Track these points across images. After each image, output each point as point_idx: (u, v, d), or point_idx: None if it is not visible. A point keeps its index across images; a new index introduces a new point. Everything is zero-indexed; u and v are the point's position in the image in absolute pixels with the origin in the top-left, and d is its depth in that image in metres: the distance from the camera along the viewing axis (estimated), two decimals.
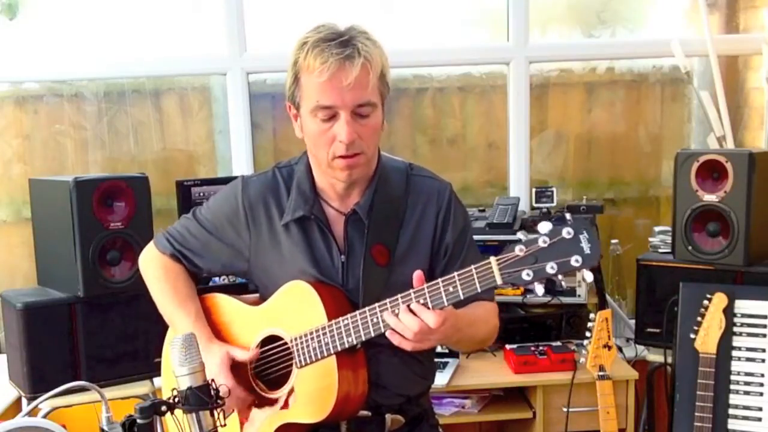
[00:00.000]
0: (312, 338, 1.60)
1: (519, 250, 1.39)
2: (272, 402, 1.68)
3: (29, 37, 3.07)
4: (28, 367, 2.37)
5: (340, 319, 1.57)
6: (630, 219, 3.37)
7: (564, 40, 3.31)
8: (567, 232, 1.36)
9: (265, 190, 1.75)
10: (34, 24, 3.08)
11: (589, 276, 1.39)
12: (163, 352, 1.88)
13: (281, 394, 1.67)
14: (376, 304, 1.52)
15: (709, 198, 2.44)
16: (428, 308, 1.45)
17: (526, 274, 1.38)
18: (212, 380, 1.41)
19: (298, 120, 1.67)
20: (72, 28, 3.08)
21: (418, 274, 1.49)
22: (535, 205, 2.90)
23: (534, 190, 2.93)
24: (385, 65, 1.61)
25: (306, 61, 1.56)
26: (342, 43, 1.54)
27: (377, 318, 1.52)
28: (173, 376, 1.40)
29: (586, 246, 1.36)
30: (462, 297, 1.44)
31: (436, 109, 3.30)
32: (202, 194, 2.62)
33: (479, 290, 1.43)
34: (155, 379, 2.51)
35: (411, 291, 1.47)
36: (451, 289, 1.44)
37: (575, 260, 1.36)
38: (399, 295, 1.49)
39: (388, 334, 1.50)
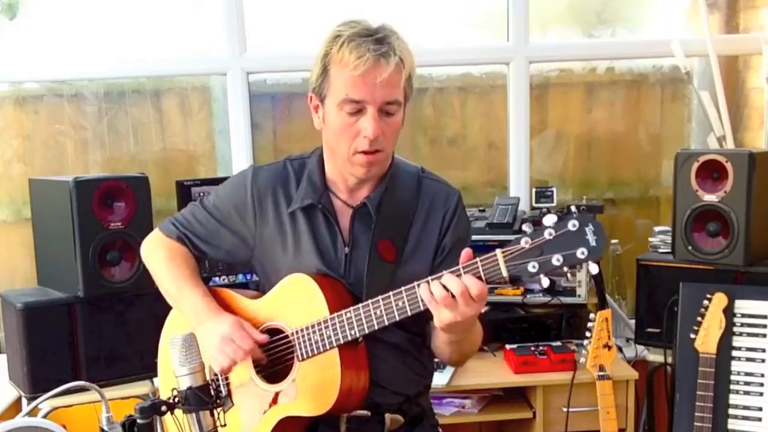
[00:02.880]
0: (314, 331, 1.60)
1: (525, 243, 1.39)
2: (272, 395, 1.68)
3: (29, 37, 3.07)
4: (28, 367, 2.37)
5: (343, 311, 1.58)
6: (630, 219, 3.37)
7: (564, 40, 3.31)
8: (572, 225, 1.38)
9: (274, 180, 1.76)
10: (34, 24, 3.08)
11: (594, 268, 1.40)
12: (159, 351, 1.88)
13: (282, 387, 1.67)
14: (380, 297, 1.53)
15: (709, 198, 2.44)
16: (436, 302, 1.46)
17: (532, 266, 1.39)
18: (212, 380, 1.41)
19: (318, 111, 1.68)
20: (72, 28, 3.08)
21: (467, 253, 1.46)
22: (535, 205, 2.90)
23: (534, 190, 2.93)
24: (413, 66, 1.63)
25: (340, 54, 1.57)
26: (378, 40, 1.56)
27: (381, 311, 1.53)
28: (172, 375, 1.40)
29: (591, 238, 1.37)
30: None
31: (436, 109, 3.30)
32: (202, 194, 2.62)
33: (485, 282, 1.43)
34: (155, 379, 2.51)
35: (414, 283, 1.49)
36: None
37: (581, 252, 1.37)
38: (403, 288, 1.50)
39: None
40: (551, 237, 1.38)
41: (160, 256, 1.83)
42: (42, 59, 3.07)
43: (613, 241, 3.12)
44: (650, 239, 2.79)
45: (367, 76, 1.54)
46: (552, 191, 2.88)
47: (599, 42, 3.29)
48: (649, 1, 3.35)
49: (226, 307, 1.79)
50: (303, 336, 1.62)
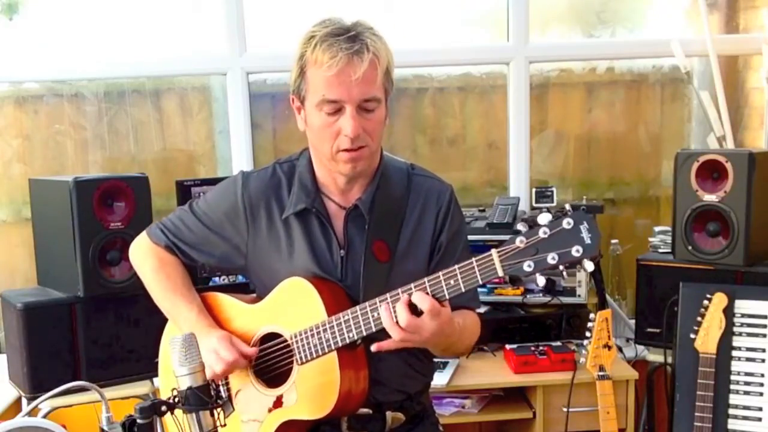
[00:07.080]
0: (312, 335, 1.60)
1: (520, 242, 1.40)
2: (272, 400, 1.68)
3: (29, 37, 3.07)
4: (28, 367, 2.37)
5: (341, 314, 1.57)
6: (630, 219, 3.37)
7: (564, 40, 3.31)
8: (567, 223, 1.38)
9: (265, 187, 1.75)
10: (34, 24, 3.08)
11: (589, 265, 1.40)
12: (161, 350, 1.88)
13: (282, 391, 1.67)
14: (377, 299, 1.52)
15: (709, 198, 2.44)
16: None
17: (528, 265, 1.39)
18: (212, 380, 1.41)
19: (301, 113, 1.68)
20: (72, 28, 3.08)
21: None
22: (535, 205, 2.90)
23: (534, 190, 2.93)
24: (390, 61, 1.62)
25: (314, 55, 1.57)
26: (351, 38, 1.55)
27: (378, 313, 1.52)
28: (172, 375, 1.40)
29: (586, 236, 1.38)
30: (463, 289, 1.45)
31: (436, 109, 3.30)
32: (201, 194, 2.61)
33: (480, 282, 1.44)
34: (155, 379, 2.51)
35: (411, 284, 1.48)
36: (452, 282, 1.45)
37: (576, 250, 1.37)
38: (399, 289, 1.49)
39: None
40: (546, 235, 1.38)
41: (149, 266, 1.83)
42: (42, 59, 3.07)
43: (613, 241, 3.12)
44: (650, 239, 2.79)
45: (342, 75, 1.54)
46: (552, 191, 2.88)
47: (599, 42, 3.29)
48: (649, 1, 3.35)
49: (223, 312, 1.79)
50: (301, 340, 1.62)
